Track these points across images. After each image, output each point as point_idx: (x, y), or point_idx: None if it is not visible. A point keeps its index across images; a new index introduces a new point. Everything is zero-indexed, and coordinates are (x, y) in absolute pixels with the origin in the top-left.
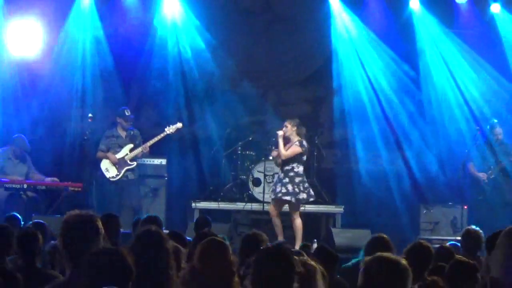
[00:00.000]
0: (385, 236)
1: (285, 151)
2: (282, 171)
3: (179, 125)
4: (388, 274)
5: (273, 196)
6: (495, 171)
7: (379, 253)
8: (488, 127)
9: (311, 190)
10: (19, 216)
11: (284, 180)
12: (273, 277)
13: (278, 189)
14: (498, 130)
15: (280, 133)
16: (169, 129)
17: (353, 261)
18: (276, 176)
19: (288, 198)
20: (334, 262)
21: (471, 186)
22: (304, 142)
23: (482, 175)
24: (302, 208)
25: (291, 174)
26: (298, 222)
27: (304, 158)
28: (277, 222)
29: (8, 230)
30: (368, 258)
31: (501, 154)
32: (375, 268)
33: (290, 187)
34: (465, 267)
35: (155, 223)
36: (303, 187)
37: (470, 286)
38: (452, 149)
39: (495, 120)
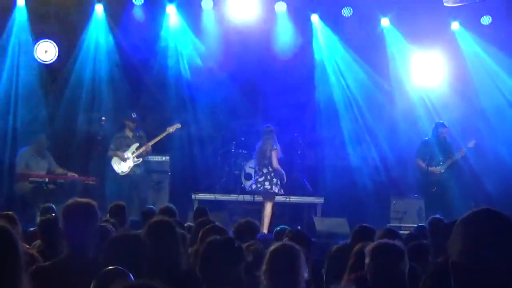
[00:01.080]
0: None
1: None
2: (266, 168)
3: (178, 125)
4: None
5: (264, 190)
6: (444, 166)
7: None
8: (434, 126)
9: None
10: (54, 206)
11: (268, 177)
12: (220, 265)
13: (266, 184)
14: (444, 129)
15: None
16: (170, 128)
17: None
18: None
19: (276, 190)
20: (309, 244)
21: (425, 181)
22: None
23: (434, 169)
24: (287, 199)
25: (271, 170)
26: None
27: None
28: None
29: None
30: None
31: (446, 152)
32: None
33: (275, 180)
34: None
35: (169, 212)
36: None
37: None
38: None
39: (439, 121)
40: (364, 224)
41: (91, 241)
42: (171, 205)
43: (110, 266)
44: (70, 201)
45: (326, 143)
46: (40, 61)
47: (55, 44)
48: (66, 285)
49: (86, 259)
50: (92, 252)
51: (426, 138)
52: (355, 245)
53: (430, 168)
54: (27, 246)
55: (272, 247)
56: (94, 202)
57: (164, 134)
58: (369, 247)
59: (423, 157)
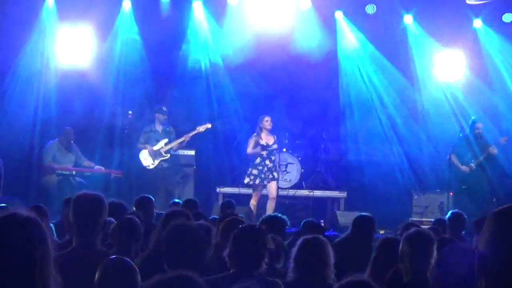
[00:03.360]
0: (369, 215)
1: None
2: (271, 161)
3: (209, 125)
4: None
5: (267, 180)
6: (476, 163)
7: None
8: (470, 122)
9: None
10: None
11: (273, 169)
12: (246, 253)
13: (270, 177)
14: (479, 125)
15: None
16: (200, 128)
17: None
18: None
19: (276, 181)
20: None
21: (455, 176)
22: None
23: (465, 168)
24: (311, 193)
25: (276, 163)
26: (273, 203)
27: None
28: (255, 204)
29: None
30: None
31: (480, 149)
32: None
33: (277, 173)
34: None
35: (191, 205)
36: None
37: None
38: (440, 143)
39: (474, 117)
40: (362, 213)
41: (99, 232)
42: (194, 198)
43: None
44: (80, 193)
45: (349, 138)
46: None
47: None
48: (74, 275)
49: (94, 250)
50: (100, 243)
51: (460, 135)
52: (355, 235)
53: (461, 166)
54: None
55: (300, 240)
56: (102, 195)
57: (193, 133)
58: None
59: (457, 153)
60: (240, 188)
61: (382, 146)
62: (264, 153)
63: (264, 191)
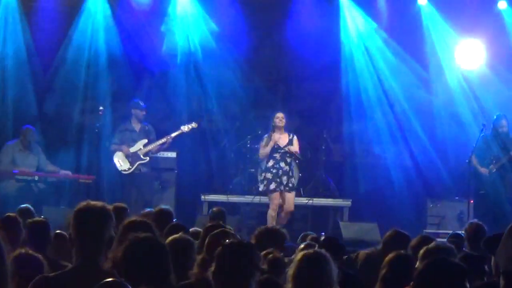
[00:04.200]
0: (408, 235)
1: (296, 149)
2: (286, 163)
3: (194, 124)
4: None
5: (286, 189)
6: (496, 165)
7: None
8: (494, 118)
9: None
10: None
11: (290, 173)
12: (232, 272)
13: (287, 182)
14: (503, 122)
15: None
16: (185, 128)
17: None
18: (274, 167)
19: (294, 191)
20: (342, 252)
21: (475, 180)
22: None
23: (484, 170)
24: (310, 201)
25: (293, 166)
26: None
27: None
28: (276, 215)
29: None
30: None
31: (503, 148)
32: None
33: (294, 180)
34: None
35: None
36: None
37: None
38: (458, 144)
39: (499, 113)
40: (398, 229)
41: (103, 250)
42: (167, 207)
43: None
44: (82, 204)
45: (354, 138)
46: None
47: None
48: None
49: (99, 270)
50: (104, 262)
51: (482, 134)
52: (387, 253)
53: (480, 168)
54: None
55: (300, 254)
56: (109, 206)
57: (177, 133)
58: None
59: (478, 154)
60: (229, 196)
61: (392, 147)
62: (277, 155)
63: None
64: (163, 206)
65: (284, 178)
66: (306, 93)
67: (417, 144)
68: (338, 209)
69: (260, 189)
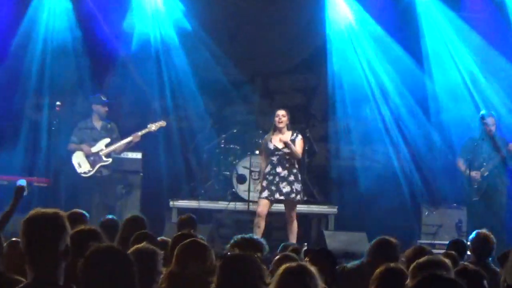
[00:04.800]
0: (393, 240)
1: (297, 150)
2: (284, 168)
3: (163, 123)
4: None
5: (281, 197)
6: (488, 167)
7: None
8: (480, 116)
9: None
10: None
11: (290, 178)
12: (237, 285)
13: (286, 189)
14: (489, 120)
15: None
16: (152, 126)
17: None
18: (270, 173)
19: (299, 198)
20: (333, 265)
21: (467, 186)
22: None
23: (475, 174)
24: None
25: (295, 171)
26: (296, 224)
27: None
28: (262, 224)
29: None
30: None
31: (493, 149)
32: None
33: (297, 186)
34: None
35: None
36: (301, 185)
37: None
38: (457, 145)
39: (483, 111)
40: (385, 237)
41: (61, 263)
42: (139, 215)
43: None
44: (32, 212)
45: (341, 138)
46: None
47: None
48: None
49: (56, 286)
50: (62, 277)
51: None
52: (374, 264)
53: (471, 173)
54: None
55: (282, 268)
56: (63, 213)
57: (143, 132)
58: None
59: (466, 157)
60: (200, 202)
61: (383, 147)
62: (274, 158)
63: (252, 206)
64: (135, 213)
65: (283, 185)
66: (286, 87)
67: (411, 145)
68: (322, 217)
69: (257, 197)
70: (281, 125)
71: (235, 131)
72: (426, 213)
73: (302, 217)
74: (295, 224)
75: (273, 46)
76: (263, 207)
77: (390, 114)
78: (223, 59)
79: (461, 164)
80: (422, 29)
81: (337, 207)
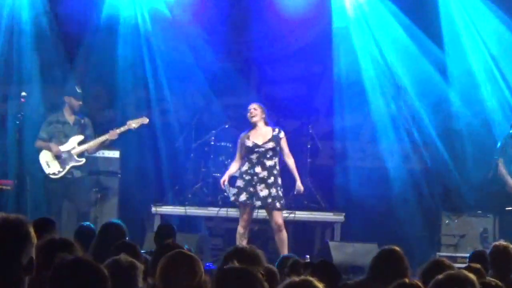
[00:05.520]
0: (397, 249)
1: (288, 153)
2: (264, 167)
3: (145, 119)
4: None
5: (258, 203)
6: None
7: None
8: None
9: None
10: None
11: (269, 181)
12: None
13: (263, 193)
14: None
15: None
16: (132, 123)
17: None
18: (247, 173)
19: (278, 205)
20: (337, 279)
21: (500, 191)
22: None
23: (509, 179)
24: (291, 215)
25: (275, 172)
26: (285, 233)
27: None
28: (245, 234)
29: None
30: None
31: None
32: None
33: (275, 190)
34: None
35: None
36: (281, 190)
37: None
38: (481, 145)
39: None
40: (388, 247)
41: (23, 278)
42: (118, 222)
43: None
44: None
45: (348, 135)
46: None
47: None
48: None
49: None
50: None
51: (511, 131)
52: (378, 279)
53: (507, 177)
54: None
55: (284, 283)
56: (27, 220)
57: (122, 130)
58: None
59: (505, 157)
60: (187, 208)
61: (397, 146)
62: (254, 156)
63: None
64: (113, 220)
65: (261, 188)
66: (286, 77)
67: (428, 143)
68: (327, 226)
69: (231, 198)
70: (254, 119)
71: (226, 126)
72: (447, 221)
73: (303, 225)
74: (284, 234)
75: (270, 29)
76: (246, 214)
77: (405, 108)
78: (212, 44)
79: (502, 166)
80: (441, 9)
81: (343, 214)
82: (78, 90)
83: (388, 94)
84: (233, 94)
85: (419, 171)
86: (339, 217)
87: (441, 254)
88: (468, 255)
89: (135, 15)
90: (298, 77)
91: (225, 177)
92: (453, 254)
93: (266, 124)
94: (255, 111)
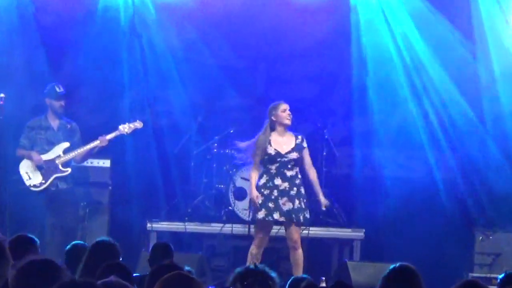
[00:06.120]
0: (410, 267)
1: (310, 163)
2: (285, 179)
3: (139, 124)
4: None
5: (282, 218)
6: None
7: None
8: None
9: None
10: None
11: (291, 193)
12: None
13: (286, 207)
14: None
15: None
16: (125, 128)
17: None
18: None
19: (302, 218)
20: None
21: None
22: None
23: None
24: (305, 231)
25: (297, 182)
26: (300, 252)
27: None
28: (259, 255)
29: None
30: None
31: None
32: None
33: (300, 202)
34: None
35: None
36: (305, 201)
37: None
38: None
39: None
40: (403, 264)
41: None
42: (109, 240)
43: None
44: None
45: (369, 141)
46: None
47: None
48: None
49: None
50: None
51: None
52: None
53: None
54: None
55: None
56: (2, 238)
57: (113, 136)
58: None
59: None
60: (187, 224)
61: (424, 153)
62: (273, 167)
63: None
64: (104, 239)
65: (283, 201)
66: (298, 75)
67: (460, 149)
68: (345, 243)
69: (249, 216)
70: (288, 123)
71: (231, 131)
72: (481, 238)
73: (318, 242)
74: (299, 253)
75: (280, 21)
76: (263, 233)
77: (433, 110)
78: (216, 39)
79: None
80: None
81: (364, 230)
82: (58, 90)
83: (414, 94)
84: (238, 95)
85: (449, 181)
86: (359, 234)
87: (474, 275)
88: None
89: (132, 4)
90: (312, 75)
91: (256, 192)
92: (488, 275)
93: (288, 129)
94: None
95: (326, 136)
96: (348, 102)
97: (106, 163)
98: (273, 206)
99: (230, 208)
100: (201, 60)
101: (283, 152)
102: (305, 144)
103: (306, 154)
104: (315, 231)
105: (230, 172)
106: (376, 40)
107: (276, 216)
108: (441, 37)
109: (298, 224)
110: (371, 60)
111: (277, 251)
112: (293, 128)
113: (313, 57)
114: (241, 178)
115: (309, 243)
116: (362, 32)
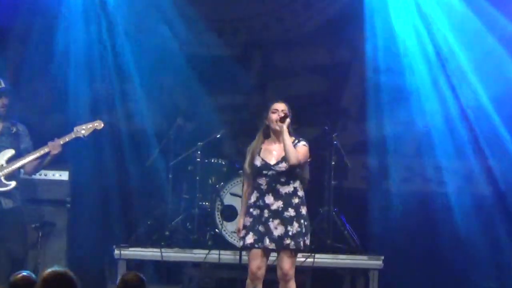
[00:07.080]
0: None
1: (298, 155)
2: (278, 196)
3: (98, 124)
4: None
5: (272, 245)
6: None
7: None
8: None
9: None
10: None
11: (286, 214)
12: None
13: (278, 231)
14: None
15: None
16: (81, 129)
17: None
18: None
19: (293, 244)
20: None
21: None
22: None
23: None
24: (309, 259)
25: (297, 201)
26: (293, 285)
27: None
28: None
29: None
30: None
31: None
32: None
33: (298, 225)
34: None
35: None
36: (307, 224)
37: None
38: None
39: None
40: None
41: None
42: (65, 271)
43: None
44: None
45: (387, 147)
46: None
47: None
48: None
49: None
50: None
51: None
52: None
53: None
54: None
55: None
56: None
57: (68, 139)
58: None
59: None
60: (164, 250)
61: (456, 161)
62: (263, 181)
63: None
64: (58, 269)
65: (275, 224)
66: (300, 66)
67: (499, 156)
68: (359, 274)
69: (240, 243)
70: (277, 128)
71: (218, 136)
72: None
73: (326, 272)
74: (291, 285)
75: (279, 2)
76: (258, 261)
77: (467, 111)
78: (200, 23)
79: None
80: None
81: (382, 257)
82: (1, 85)
83: (443, 88)
84: (227, 90)
85: (488, 197)
86: (376, 262)
87: None
88: None
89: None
90: (318, 66)
91: (242, 221)
92: None
93: (290, 133)
94: (286, 113)
95: (335, 142)
96: (362, 99)
97: (64, 175)
98: (263, 230)
99: (217, 231)
100: (183, 50)
101: (271, 163)
102: (301, 143)
103: (298, 151)
104: (322, 259)
105: (217, 186)
106: (396, 25)
107: (266, 242)
108: (477, 25)
109: (294, 250)
110: (388, 47)
111: (274, 284)
112: (298, 134)
113: (318, 45)
114: (230, 194)
115: (314, 274)
116: (377, 14)
